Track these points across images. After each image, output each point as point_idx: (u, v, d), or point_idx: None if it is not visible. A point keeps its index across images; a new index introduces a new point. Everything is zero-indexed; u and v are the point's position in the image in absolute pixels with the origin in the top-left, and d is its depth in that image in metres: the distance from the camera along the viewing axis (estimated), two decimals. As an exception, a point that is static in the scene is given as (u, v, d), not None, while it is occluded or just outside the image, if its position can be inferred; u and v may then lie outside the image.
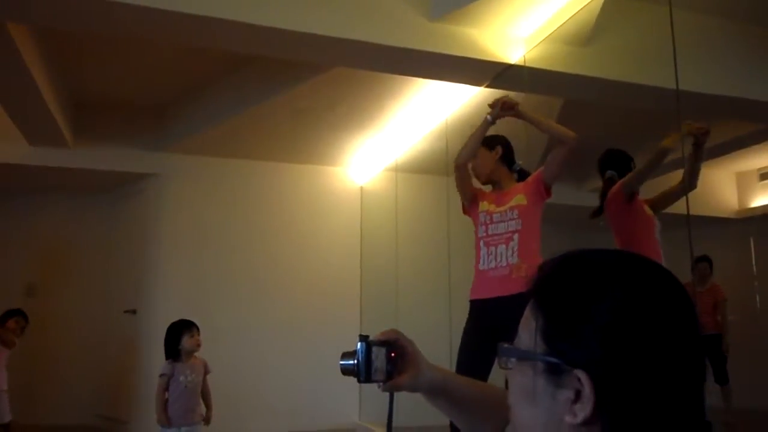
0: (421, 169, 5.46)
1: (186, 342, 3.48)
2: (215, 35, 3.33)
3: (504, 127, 3.21)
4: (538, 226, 2.88)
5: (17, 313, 4.56)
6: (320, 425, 5.51)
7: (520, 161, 3.11)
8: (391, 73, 4.04)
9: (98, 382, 5.83)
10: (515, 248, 2.81)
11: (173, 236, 5.57)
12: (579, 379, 0.62)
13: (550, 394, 0.65)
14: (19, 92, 4.18)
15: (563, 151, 2.79)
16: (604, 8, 3.24)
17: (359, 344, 0.99)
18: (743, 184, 4.84)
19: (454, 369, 2.78)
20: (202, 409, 3.55)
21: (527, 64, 3.61)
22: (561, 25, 3.42)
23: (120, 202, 6.13)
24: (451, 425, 1.71)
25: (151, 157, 5.59)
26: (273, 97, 4.60)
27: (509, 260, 2.82)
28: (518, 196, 2.89)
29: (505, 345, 0.72)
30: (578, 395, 0.62)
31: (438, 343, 3.74)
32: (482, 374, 2.62)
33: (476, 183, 3.15)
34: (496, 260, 2.86)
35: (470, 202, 3.09)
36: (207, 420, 3.55)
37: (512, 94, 3.02)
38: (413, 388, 1.00)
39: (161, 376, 3.46)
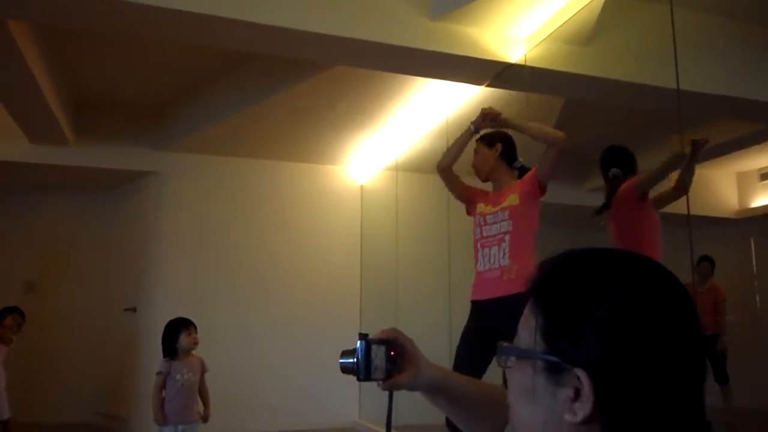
0: (421, 168, 5.46)
1: (183, 340, 3.48)
2: (216, 33, 3.33)
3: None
4: (532, 227, 2.88)
5: (14, 311, 4.56)
6: (320, 424, 5.51)
7: (521, 158, 3.11)
8: (392, 72, 4.04)
9: (98, 380, 5.84)
10: (506, 250, 2.84)
11: (173, 234, 5.57)
12: (578, 378, 0.62)
13: (550, 393, 0.65)
14: (19, 90, 4.18)
15: (553, 152, 2.81)
16: (605, 8, 3.24)
17: (359, 342, 0.99)
18: (744, 184, 4.85)
19: (450, 366, 2.78)
20: (200, 407, 3.55)
21: (528, 64, 3.60)
22: (562, 25, 3.42)
23: (120, 201, 6.13)
24: (447, 422, 1.71)
25: (152, 155, 5.59)
26: (273, 96, 4.60)
27: (501, 262, 2.85)
28: (511, 197, 2.91)
29: (505, 344, 0.72)
30: (578, 394, 0.62)
31: (438, 342, 3.73)
32: (478, 373, 2.63)
33: (477, 183, 3.15)
34: (490, 262, 2.90)
35: (469, 204, 3.11)
36: (205, 418, 3.55)
37: (512, 94, 3.03)
38: (413, 387, 1.00)
39: (158, 374, 3.46)
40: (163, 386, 3.45)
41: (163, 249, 5.55)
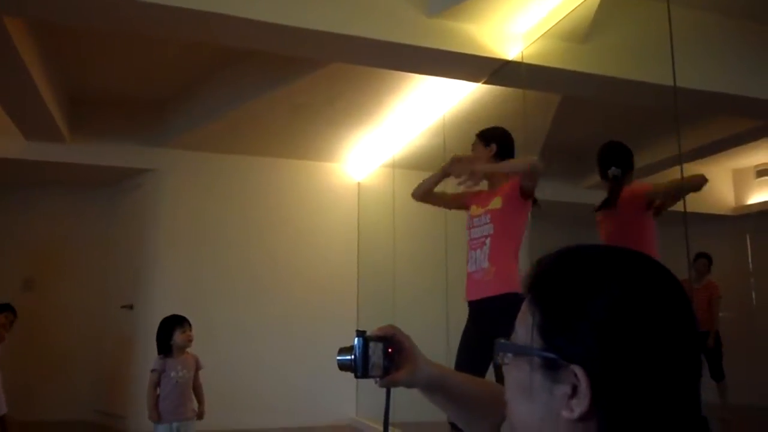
0: (418, 165, 5.44)
1: (178, 337, 3.47)
2: (213, 30, 3.32)
3: (502, 124, 3.21)
4: (516, 230, 2.92)
5: (6, 308, 4.55)
6: (317, 421, 5.52)
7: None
8: (389, 69, 4.04)
9: (95, 377, 5.84)
10: (487, 253, 2.90)
11: (171, 232, 5.57)
12: (575, 375, 0.62)
13: (547, 390, 0.65)
14: (15, 87, 4.16)
15: (527, 179, 2.84)
16: (602, 5, 3.24)
17: (356, 339, 0.99)
18: (740, 181, 4.85)
19: (450, 366, 2.79)
20: (194, 404, 3.54)
21: (525, 61, 3.60)
22: (559, 22, 3.42)
23: (117, 198, 6.12)
24: (450, 421, 1.71)
25: (149, 152, 5.58)
26: (271, 93, 4.60)
27: (482, 264, 2.91)
28: (495, 200, 2.95)
29: (502, 340, 0.72)
30: (575, 390, 0.63)
31: (435, 340, 3.74)
32: (478, 374, 2.64)
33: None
34: (475, 264, 2.96)
35: (466, 209, 3.15)
36: (200, 415, 3.54)
37: (509, 91, 3.03)
38: (410, 384, 1.00)
39: (152, 371, 3.45)
40: (157, 384, 3.44)
41: (160, 246, 5.54)
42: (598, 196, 3.11)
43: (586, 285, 0.65)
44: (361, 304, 5.89)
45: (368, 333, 1.00)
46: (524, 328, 0.69)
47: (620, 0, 3.46)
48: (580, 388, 0.62)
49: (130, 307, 5.65)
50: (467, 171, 2.91)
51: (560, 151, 4.53)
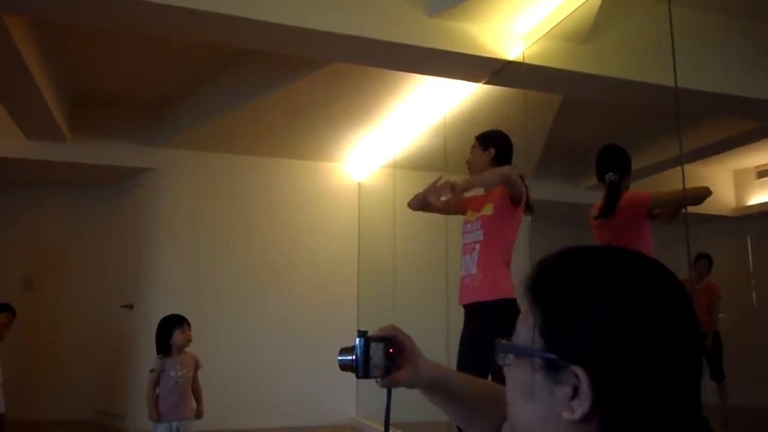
0: (419, 165, 5.45)
1: (177, 337, 3.47)
2: (213, 30, 3.32)
3: (503, 124, 3.21)
4: (507, 236, 2.92)
5: (5, 308, 4.55)
6: (317, 421, 5.52)
7: (515, 165, 3.12)
8: (390, 69, 4.03)
9: (95, 377, 5.83)
10: (476, 258, 2.91)
11: (171, 231, 5.57)
12: (577, 376, 0.62)
13: (548, 390, 0.65)
14: (16, 86, 4.17)
15: (511, 188, 2.84)
16: (603, 5, 3.24)
17: (358, 340, 0.98)
18: (740, 181, 4.85)
19: (450, 366, 2.79)
20: (193, 404, 3.54)
21: (526, 61, 3.60)
22: (560, 22, 3.42)
23: (117, 197, 6.12)
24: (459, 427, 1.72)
25: (149, 151, 5.58)
26: (271, 93, 4.59)
27: (470, 270, 2.93)
28: (488, 206, 2.96)
29: (503, 341, 0.72)
30: (576, 391, 0.62)
31: (435, 340, 3.74)
32: (478, 376, 2.64)
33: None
34: (466, 268, 2.98)
35: (464, 214, 3.15)
36: (198, 414, 3.54)
37: (510, 92, 3.02)
38: (411, 384, 1.00)
39: (151, 371, 3.45)
40: (157, 383, 3.44)
41: (160, 246, 5.54)
42: (599, 196, 3.10)
43: (587, 286, 0.65)
44: (361, 305, 5.89)
45: (369, 333, 1.00)
46: (525, 328, 0.69)
47: (621, 0, 3.45)
48: (581, 389, 0.62)
49: (130, 306, 5.65)
50: (446, 193, 2.90)
51: (561, 151, 4.54)
